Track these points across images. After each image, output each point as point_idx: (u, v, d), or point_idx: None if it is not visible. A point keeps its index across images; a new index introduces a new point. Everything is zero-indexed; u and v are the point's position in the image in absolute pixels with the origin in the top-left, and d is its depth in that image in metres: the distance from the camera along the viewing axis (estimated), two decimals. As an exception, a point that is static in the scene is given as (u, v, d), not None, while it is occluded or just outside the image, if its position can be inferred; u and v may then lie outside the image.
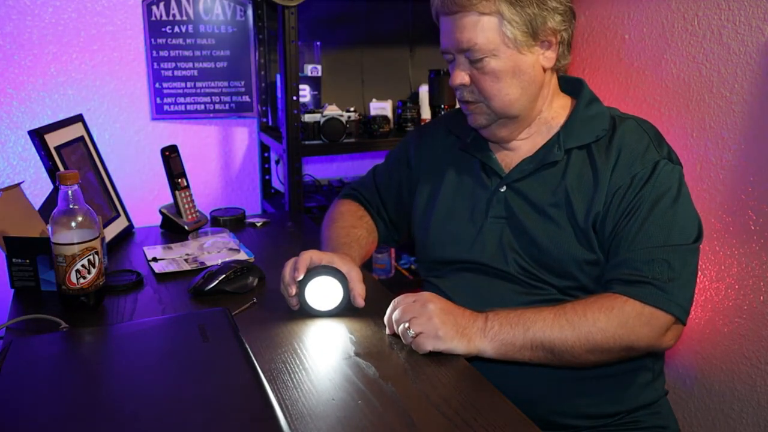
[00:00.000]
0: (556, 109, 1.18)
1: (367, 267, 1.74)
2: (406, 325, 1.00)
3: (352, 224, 1.32)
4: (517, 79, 1.10)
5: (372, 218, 1.38)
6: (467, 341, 1.00)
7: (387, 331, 1.06)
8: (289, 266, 1.13)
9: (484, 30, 1.07)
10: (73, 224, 1.09)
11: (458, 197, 1.22)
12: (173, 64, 1.98)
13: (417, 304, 1.02)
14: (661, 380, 1.21)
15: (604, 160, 1.10)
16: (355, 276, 1.12)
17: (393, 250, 2.14)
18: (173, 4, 1.94)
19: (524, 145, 1.19)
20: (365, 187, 1.42)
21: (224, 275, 1.21)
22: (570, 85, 1.22)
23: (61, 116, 1.67)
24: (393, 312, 1.04)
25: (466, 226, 1.19)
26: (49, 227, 1.10)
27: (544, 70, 1.13)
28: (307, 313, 1.12)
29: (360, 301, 1.11)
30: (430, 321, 0.99)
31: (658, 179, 1.07)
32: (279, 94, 1.91)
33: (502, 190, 1.17)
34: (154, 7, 1.93)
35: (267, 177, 2.18)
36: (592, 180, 1.10)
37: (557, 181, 1.13)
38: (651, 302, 1.01)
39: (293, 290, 1.11)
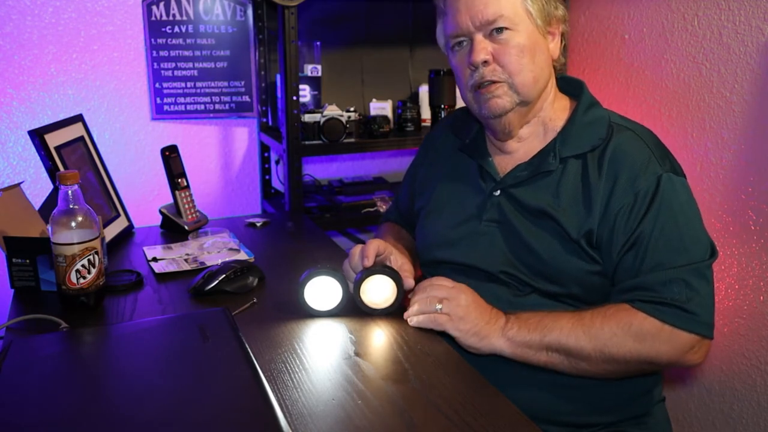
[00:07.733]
0: (556, 111, 1.17)
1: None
2: (437, 301, 1.06)
3: (394, 236, 1.39)
4: (537, 58, 1.10)
5: (407, 231, 1.44)
6: (482, 339, 1.05)
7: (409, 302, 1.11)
8: (357, 252, 1.14)
9: (510, 1, 1.08)
10: (73, 224, 1.09)
11: (453, 199, 1.22)
12: (173, 64, 1.98)
13: (453, 290, 1.08)
14: (656, 390, 1.18)
15: (596, 174, 1.08)
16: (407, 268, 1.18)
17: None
18: (173, 4, 1.94)
19: (521, 148, 1.17)
20: (390, 210, 1.51)
21: (224, 275, 1.21)
22: (570, 86, 1.20)
23: (61, 116, 1.67)
24: (428, 286, 1.09)
25: (459, 228, 1.19)
26: (49, 227, 1.10)
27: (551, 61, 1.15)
28: (307, 313, 1.12)
29: (411, 282, 1.16)
30: (459, 308, 1.05)
31: (664, 195, 1.04)
32: (279, 94, 1.91)
33: (496, 194, 1.16)
34: (154, 7, 1.93)
35: (267, 177, 2.18)
36: (582, 195, 1.08)
37: (551, 191, 1.11)
38: (671, 322, 0.99)
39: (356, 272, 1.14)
